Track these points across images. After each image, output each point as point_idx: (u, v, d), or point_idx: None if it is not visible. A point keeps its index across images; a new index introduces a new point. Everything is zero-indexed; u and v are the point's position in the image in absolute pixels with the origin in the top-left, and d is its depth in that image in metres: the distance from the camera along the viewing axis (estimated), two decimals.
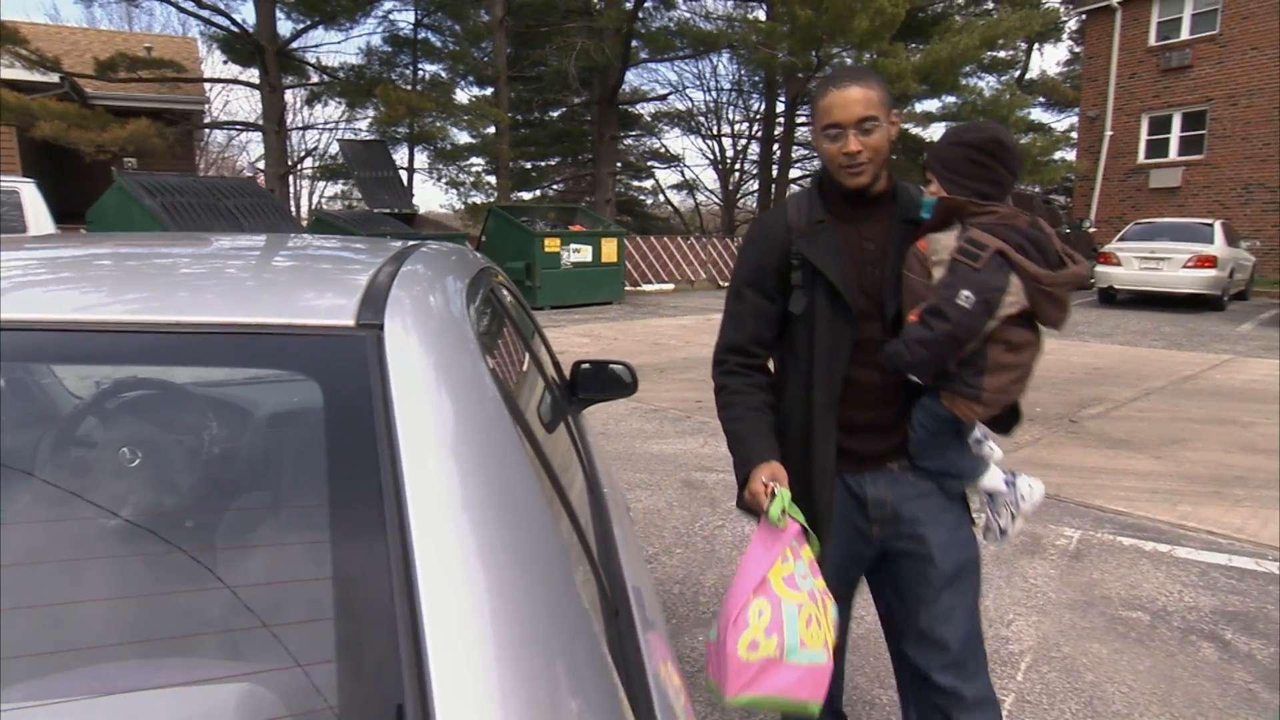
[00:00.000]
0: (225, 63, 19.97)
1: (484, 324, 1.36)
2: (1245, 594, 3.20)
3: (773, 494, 1.49)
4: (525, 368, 1.53)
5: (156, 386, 1.15)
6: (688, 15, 23.45)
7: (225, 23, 17.39)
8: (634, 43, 21.29)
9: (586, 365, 2.53)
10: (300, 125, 27.54)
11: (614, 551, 1.32)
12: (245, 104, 36.59)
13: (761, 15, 23.14)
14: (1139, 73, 19.50)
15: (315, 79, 21.48)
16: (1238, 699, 2.49)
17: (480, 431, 0.84)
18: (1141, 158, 19.67)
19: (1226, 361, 8.52)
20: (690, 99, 32.90)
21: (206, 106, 21.08)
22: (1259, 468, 4.81)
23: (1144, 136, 19.66)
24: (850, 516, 1.70)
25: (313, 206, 32.20)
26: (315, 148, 29.26)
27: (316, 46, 30.50)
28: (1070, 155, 21.83)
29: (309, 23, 18.24)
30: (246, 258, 1.33)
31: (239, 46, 18.29)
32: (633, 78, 27.11)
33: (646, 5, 21.30)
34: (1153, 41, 19.27)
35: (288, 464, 0.88)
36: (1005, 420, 1.65)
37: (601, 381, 2.50)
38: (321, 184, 32.37)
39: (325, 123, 27.30)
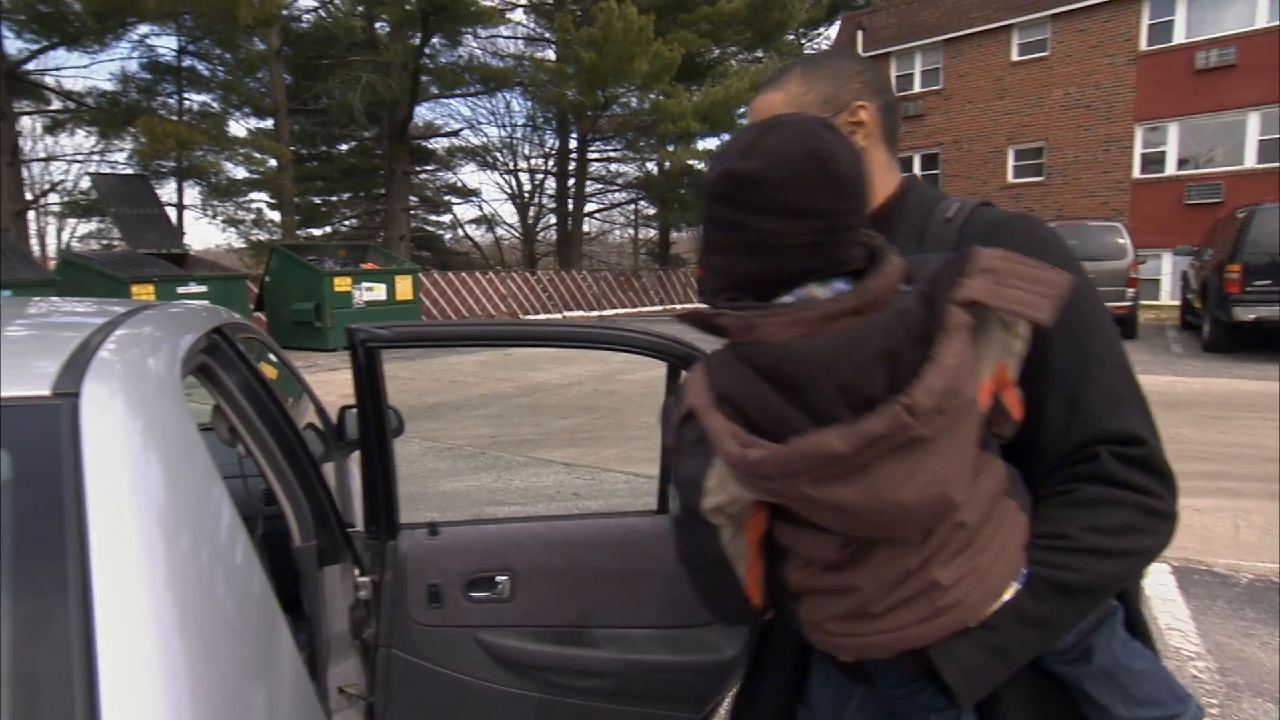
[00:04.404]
0: None
1: (215, 383, 1.41)
2: None
3: None
4: (265, 420, 1.57)
5: None
6: (478, 52, 23.65)
7: None
8: (423, 78, 21.11)
9: (353, 409, 2.58)
10: (42, 156, 24.49)
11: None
12: None
13: (550, 55, 23.81)
14: None
15: (57, 105, 19.26)
16: None
17: (187, 494, 0.91)
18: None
19: None
20: (485, 134, 33.08)
21: None
22: None
23: None
24: None
25: (62, 247, 28.62)
26: (62, 181, 26.14)
27: (58, 70, 27.28)
28: None
29: (46, 43, 16.34)
30: None
31: None
32: (425, 112, 26.79)
33: (434, 41, 21.22)
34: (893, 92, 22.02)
35: None
36: None
37: None
38: (72, 222, 28.86)
39: (75, 154, 24.41)
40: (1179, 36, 17.54)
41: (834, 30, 26.09)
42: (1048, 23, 19.12)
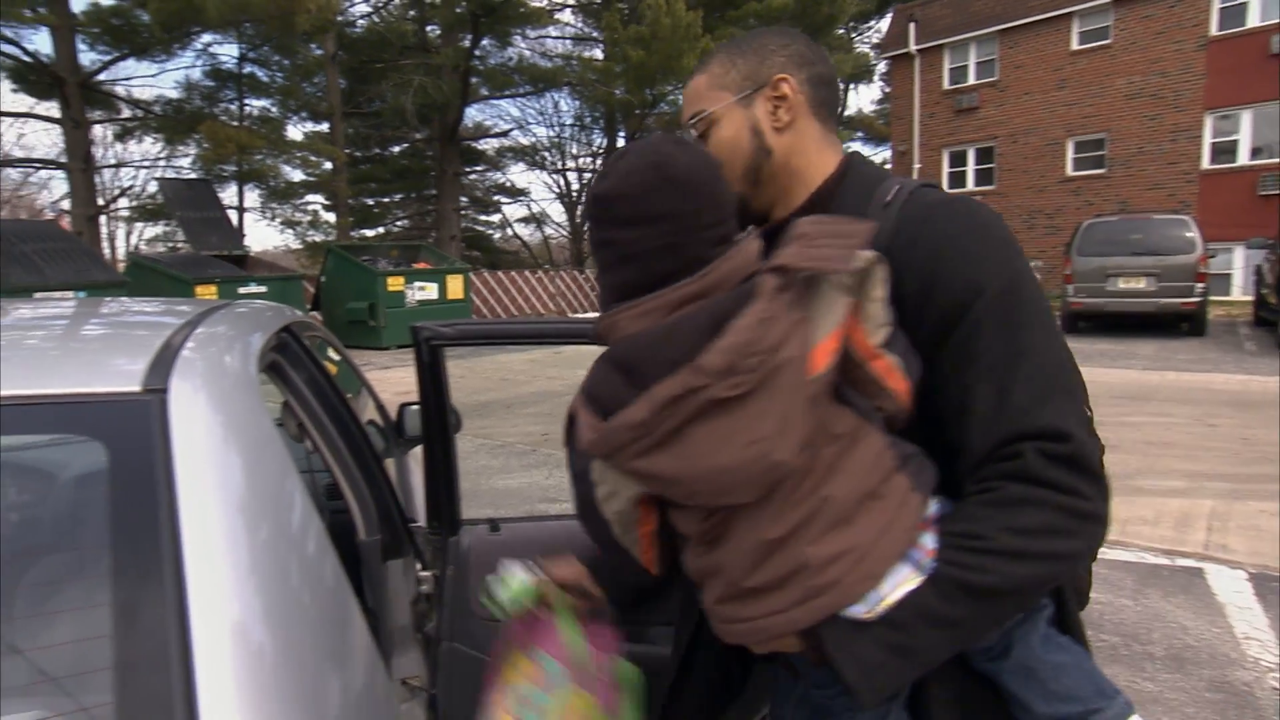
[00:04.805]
0: (15, 91, 18.20)
1: (285, 380, 1.45)
2: None
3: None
4: (332, 416, 1.61)
5: None
6: (527, 53, 23.86)
7: (15, 52, 15.93)
8: (473, 79, 21.39)
9: (412, 406, 2.63)
10: (112, 162, 25.51)
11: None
12: (45, 138, 33.38)
13: (598, 54, 23.89)
14: (936, 112, 21.70)
15: (127, 114, 20.04)
16: None
17: (265, 485, 0.94)
18: (945, 188, 21.77)
19: None
20: (534, 134, 33.32)
21: None
22: None
23: (946, 169, 21.84)
24: None
25: (130, 249, 29.77)
26: (131, 186, 27.16)
27: (127, 79, 28.34)
28: None
29: (117, 54, 17.01)
30: (50, 326, 1.36)
31: (33, 78, 16.78)
32: (474, 113, 27.12)
33: (484, 43, 21.48)
34: (946, 85, 21.53)
35: (75, 525, 0.93)
36: None
37: None
38: (140, 225, 30.01)
39: (142, 160, 25.37)
40: (1253, 20, 16.78)
41: (885, 23, 25.64)
42: (1110, 9, 18.49)
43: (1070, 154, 19.55)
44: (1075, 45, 19.19)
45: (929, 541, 0.82)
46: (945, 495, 0.87)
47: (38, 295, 8.55)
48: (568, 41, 26.03)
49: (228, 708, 0.68)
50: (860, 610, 0.79)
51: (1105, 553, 3.85)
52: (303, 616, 0.89)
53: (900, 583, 0.80)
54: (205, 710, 0.66)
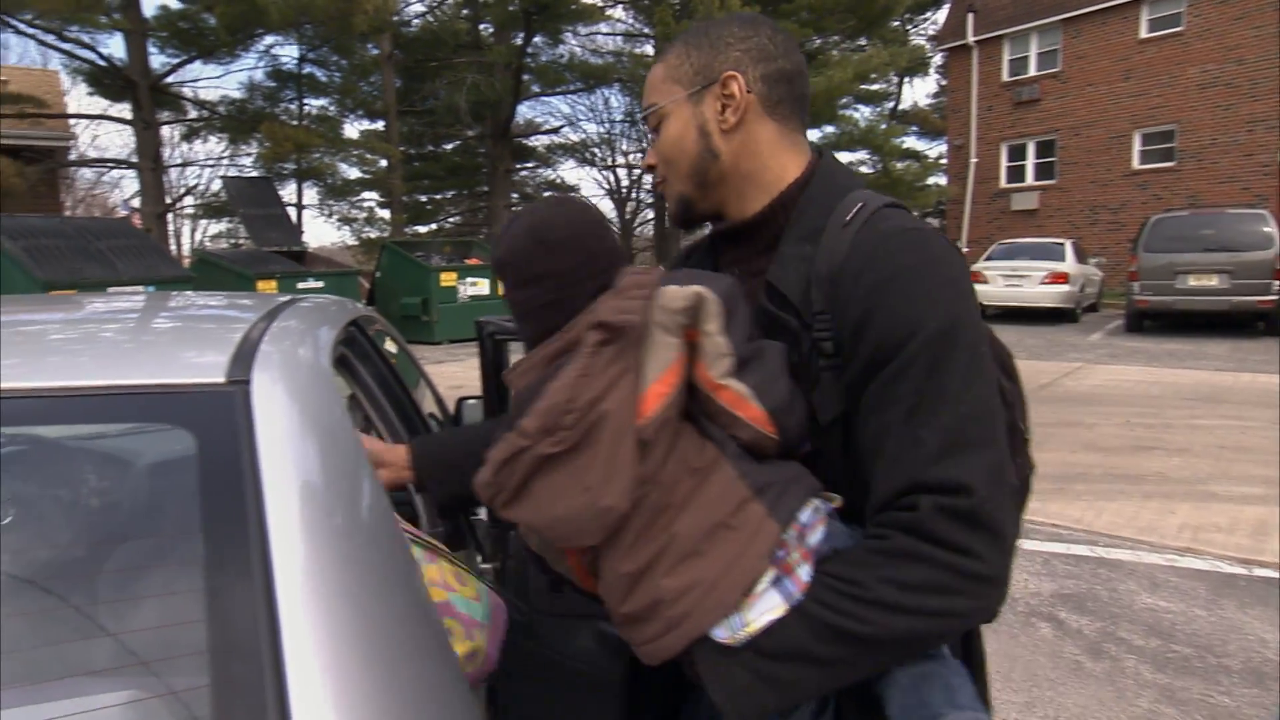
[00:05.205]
0: (90, 94, 18.95)
1: (352, 373, 1.48)
2: (1079, 577, 3.60)
3: None
4: (396, 409, 1.64)
5: (27, 441, 1.20)
6: (578, 50, 23.94)
7: (92, 57, 16.59)
8: (525, 76, 21.56)
9: (471, 400, 2.66)
10: (179, 162, 26.43)
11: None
12: (117, 139, 34.75)
13: (649, 50, 23.86)
14: (995, 105, 21.15)
15: (194, 114, 20.71)
16: (1066, 669, 2.82)
17: (340, 473, 0.96)
18: (1003, 183, 21.27)
19: (1078, 369, 9.34)
20: (584, 130, 33.38)
21: (72, 143, 19.95)
22: (1097, 464, 5.36)
23: (1004, 163, 21.28)
24: None
25: (195, 246, 30.83)
26: (196, 185, 28.12)
27: (194, 81, 29.31)
28: (943, 181, 23.34)
29: (185, 57, 17.60)
30: (131, 320, 1.41)
31: (108, 82, 17.47)
32: (525, 110, 27.34)
33: (536, 40, 21.64)
34: (1005, 77, 20.97)
35: (163, 509, 0.97)
36: None
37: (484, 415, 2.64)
38: (204, 222, 31.08)
39: (206, 159, 26.23)
40: None
41: (943, 14, 25.07)
42: None
43: (1137, 147, 18.88)
44: (1144, 34, 18.51)
45: (804, 574, 0.82)
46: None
47: (111, 289, 8.90)
48: (619, 38, 26.06)
49: (316, 689, 0.69)
50: (723, 635, 0.81)
51: (1176, 560, 3.71)
52: (378, 601, 0.91)
53: (767, 610, 0.81)
54: (295, 692, 0.68)
